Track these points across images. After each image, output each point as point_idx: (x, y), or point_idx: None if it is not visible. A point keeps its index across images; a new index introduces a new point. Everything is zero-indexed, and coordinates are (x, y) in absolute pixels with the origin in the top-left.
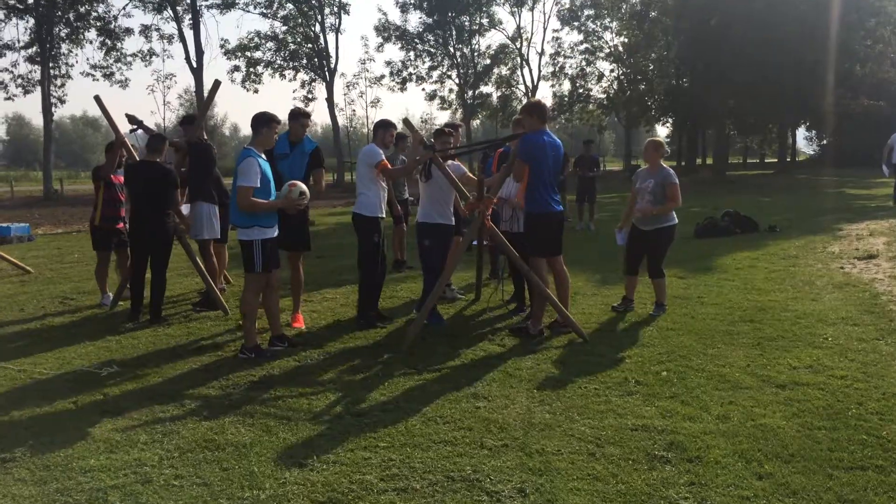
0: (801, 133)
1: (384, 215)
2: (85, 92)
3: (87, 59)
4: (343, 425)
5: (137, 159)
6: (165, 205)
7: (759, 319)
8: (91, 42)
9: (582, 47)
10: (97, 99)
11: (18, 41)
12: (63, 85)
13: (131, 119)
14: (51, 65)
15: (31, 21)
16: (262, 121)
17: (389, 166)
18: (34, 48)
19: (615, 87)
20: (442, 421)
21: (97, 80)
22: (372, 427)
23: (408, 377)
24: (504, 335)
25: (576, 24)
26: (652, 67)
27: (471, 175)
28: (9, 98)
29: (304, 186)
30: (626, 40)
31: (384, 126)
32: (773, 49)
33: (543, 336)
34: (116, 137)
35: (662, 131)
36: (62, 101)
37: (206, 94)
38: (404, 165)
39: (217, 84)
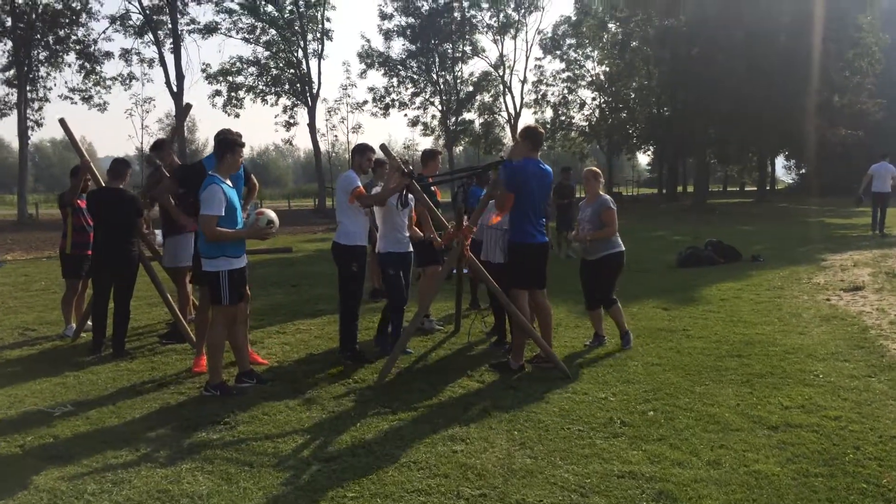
0: (780, 162)
1: (365, 243)
2: (63, 115)
3: (66, 83)
4: (310, 473)
5: (102, 185)
6: (129, 232)
7: (747, 354)
8: (70, 65)
9: (564, 75)
10: (62, 122)
11: None
12: (41, 108)
13: (149, 159)
14: (28, 88)
15: (10, 44)
16: (226, 145)
17: (364, 192)
18: (11, 71)
19: (597, 114)
20: (416, 467)
21: (75, 103)
22: (340, 474)
23: (381, 417)
24: (484, 370)
25: (558, 52)
26: (633, 96)
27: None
28: None
29: (272, 214)
30: (607, 69)
31: (361, 150)
32: (754, 79)
33: (524, 371)
34: (81, 162)
35: (644, 159)
36: (39, 125)
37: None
38: (379, 192)
39: (188, 107)
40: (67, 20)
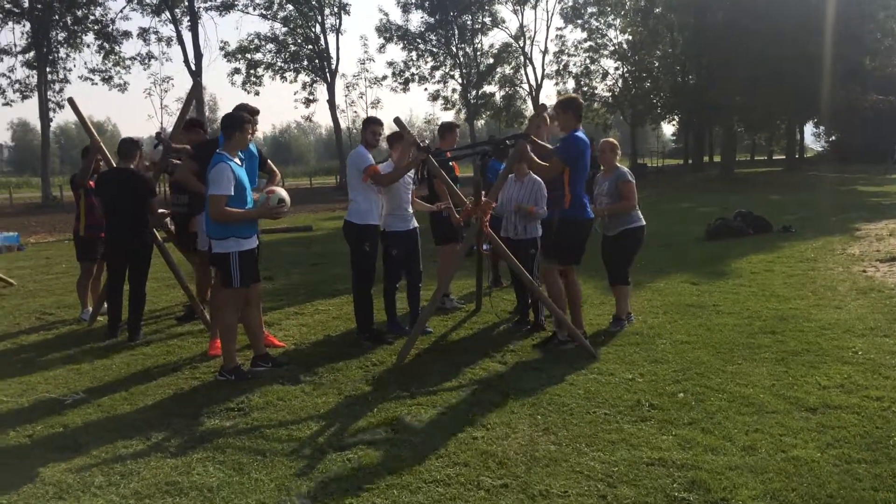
0: (808, 129)
1: (378, 222)
2: (84, 96)
3: (85, 64)
4: (324, 463)
5: (113, 165)
6: (141, 213)
7: (781, 330)
8: (89, 46)
9: (586, 45)
10: (71, 102)
11: (15, 45)
12: (62, 90)
13: (158, 136)
14: (49, 69)
15: (28, 26)
16: (234, 123)
17: (379, 171)
18: (31, 53)
19: (620, 84)
20: (434, 455)
21: (96, 83)
22: (356, 464)
23: (399, 402)
24: (506, 351)
25: (579, 21)
26: (657, 64)
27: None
28: (7, 104)
29: (283, 193)
30: (630, 37)
31: (366, 124)
32: (780, 43)
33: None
34: (91, 142)
35: (668, 129)
36: (60, 106)
37: (205, 97)
38: (394, 170)
39: (196, 85)
40: (85, 0)
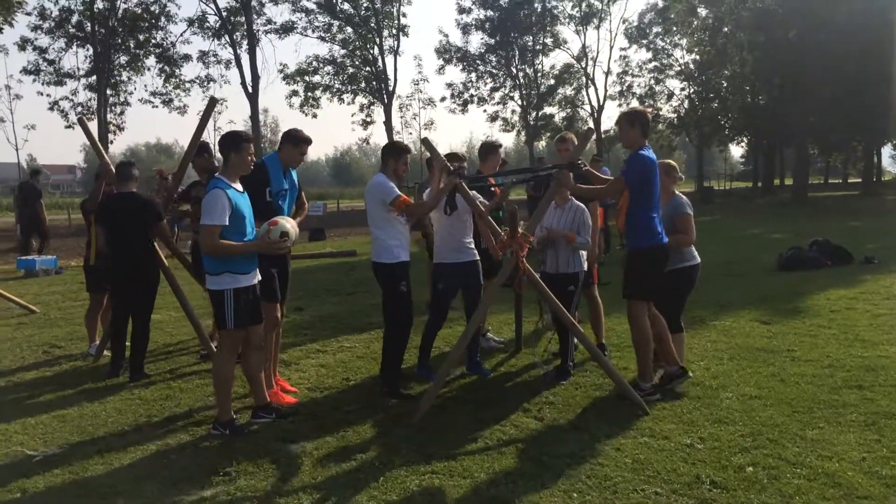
0: (886, 151)
1: (408, 257)
2: (146, 119)
3: (145, 87)
4: None
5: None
6: (144, 241)
7: (870, 384)
8: (149, 69)
9: (651, 65)
10: (81, 121)
11: (78, 69)
12: (122, 112)
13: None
14: (110, 92)
15: (91, 50)
16: (231, 144)
17: (409, 201)
18: (94, 77)
19: (686, 105)
20: None
21: (156, 106)
22: None
23: (412, 469)
24: (543, 403)
25: (644, 41)
26: (725, 84)
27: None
28: (69, 126)
29: (288, 224)
30: (697, 57)
31: (396, 153)
32: (857, 61)
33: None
34: (101, 165)
35: (737, 151)
36: (120, 129)
37: (262, 119)
38: (428, 199)
39: (213, 101)
40: (147, 24)
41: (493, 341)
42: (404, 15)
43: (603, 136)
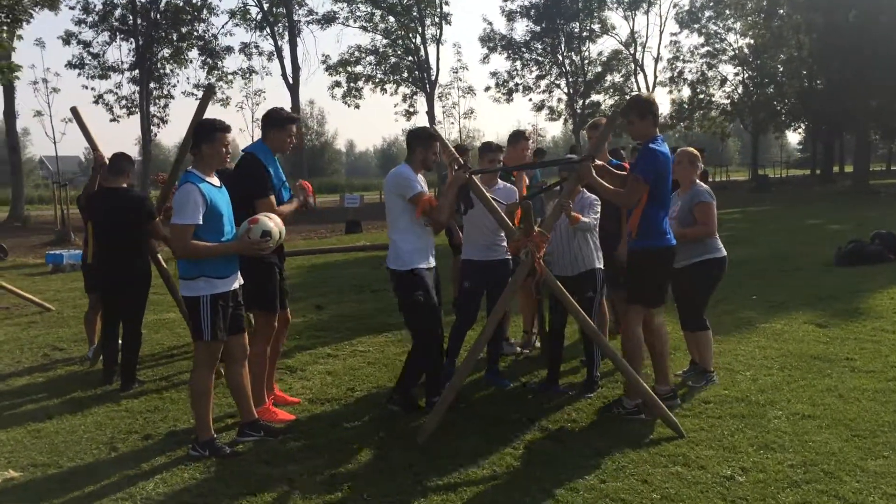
0: None
1: (430, 262)
2: (188, 111)
3: (188, 79)
4: None
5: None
6: (135, 240)
7: None
8: (192, 62)
9: (703, 50)
10: (73, 111)
11: (122, 62)
12: (166, 105)
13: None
14: (153, 85)
15: (134, 43)
16: (203, 133)
17: (434, 202)
18: (137, 71)
19: (740, 91)
20: None
21: (199, 99)
22: None
23: (405, 497)
24: (562, 421)
25: (696, 26)
26: (781, 69)
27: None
28: (114, 119)
29: (270, 223)
30: (751, 41)
31: (424, 138)
32: None
33: (640, 412)
34: (95, 157)
35: (793, 138)
36: (164, 122)
37: (308, 111)
38: (441, 201)
39: (210, 89)
40: (189, 16)
41: (514, 347)
42: (447, 3)
43: None
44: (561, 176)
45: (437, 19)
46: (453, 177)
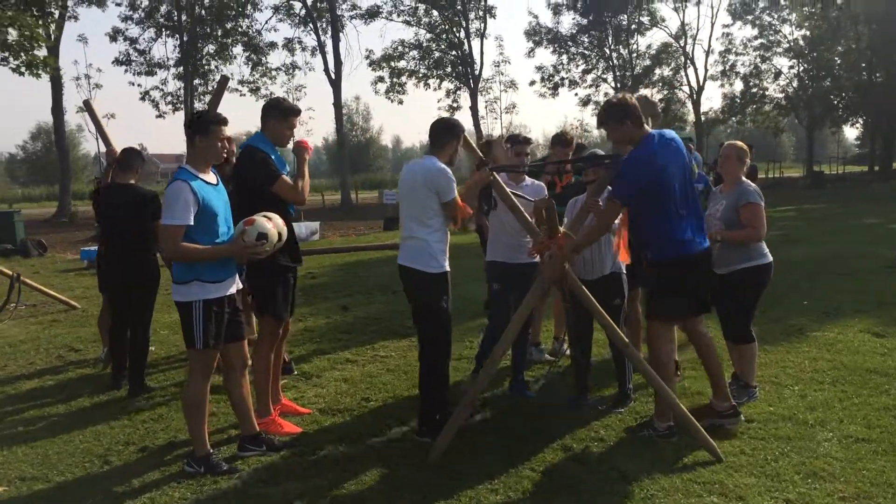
0: None
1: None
2: (235, 109)
3: (232, 75)
4: None
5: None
6: (142, 239)
7: None
8: (236, 57)
9: (756, 43)
10: (86, 104)
11: (167, 59)
12: None
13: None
14: (199, 81)
15: (179, 39)
16: (197, 126)
17: (468, 210)
18: (181, 67)
19: (795, 84)
20: None
21: (244, 95)
22: None
23: None
24: (590, 440)
25: (749, 17)
26: (839, 61)
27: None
28: (160, 116)
29: (269, 224)
30: (807, 33)
31: (456, 131)
32: None
33: (672, 434)
34: (107, 151)
35: (851, 133)
36: None
37: (353, 106)
38: (465, 199)
39: (224, 80)
40: (233, 12)
41: (543, 354)
42: None
43: (702, 117)
44: (587, 175)
45: (481, 13)
46: (476, 175)
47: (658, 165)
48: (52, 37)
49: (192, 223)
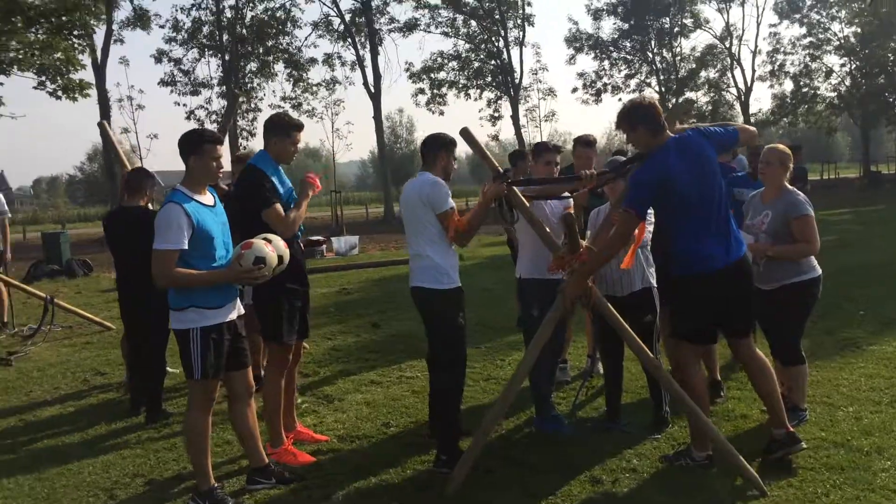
0: None
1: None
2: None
3: (273, 92)
4: None
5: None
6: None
7: None
8: (277, 74)
9: (805, 41)
10: (101, 125)
11: (211, 77)
12: (254, 119)
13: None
14: (242, 99)
15: (222, 58)
16: (189, 146)
17: (463, 223)
18: (224, 86)
19: (847, 83)
20: None
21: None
22: None
23: None
24: (620, 470)
25: (796, 16)
26: (892, 58)
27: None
28: None
29: (268, 248)
30: (858, 29)
31: (447, 144)
32: None
33: (712, 465)
34: (123, 174)
35: None
36: (252, 135)
37: (396, 119)
38: (471, 217)
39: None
40: (274, 30)
41: (568, 374)
42: (529, 4)
43: (752, 119)
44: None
45: (519, 21)
46: (490, 189)
47: (664, 168)
48: (98, 60)
49: (185, 247)
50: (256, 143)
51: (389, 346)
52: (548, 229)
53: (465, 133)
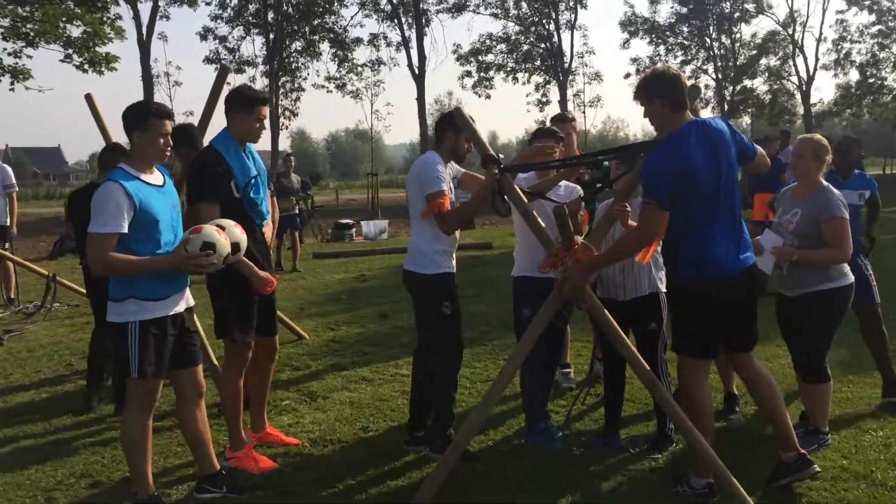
0: None
1: (454, 267)
2: (321, 104)
3: (317, 72)
4: None
5: None
6: None
7: None
8: (322, 54)
9: (874, 29)
10: (88, 98)
11: (255, 56)
12: (297, 98)
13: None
14: (286, 79)
15: (268, 37)
16: (134, 120)
17: (448, 204)
18: (268, 65)
19: None
20: None
21: (330, 91)
22: None
23: None
24: (616, 492)
25: (865, 2)
26: None
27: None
28: None
29: (219, 235)
30: None
31: (453, 124)
32: None
33: (712, 494)
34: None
35: None
36: (294, 114)
37: (445, 102)
38: (468, 201)
39: (224, 71)
40: (320, 9)
41: (571, 380)
42: None
43: (812, 110)
44: (615, 171)
45: (571, 3)
46: (487, 177)
47: (683, 158)
48: (144, 36)
49: (125, 230)
50: (297, 124)
51: (392, 339)
52: (543, 224)
53: (458, 113)
